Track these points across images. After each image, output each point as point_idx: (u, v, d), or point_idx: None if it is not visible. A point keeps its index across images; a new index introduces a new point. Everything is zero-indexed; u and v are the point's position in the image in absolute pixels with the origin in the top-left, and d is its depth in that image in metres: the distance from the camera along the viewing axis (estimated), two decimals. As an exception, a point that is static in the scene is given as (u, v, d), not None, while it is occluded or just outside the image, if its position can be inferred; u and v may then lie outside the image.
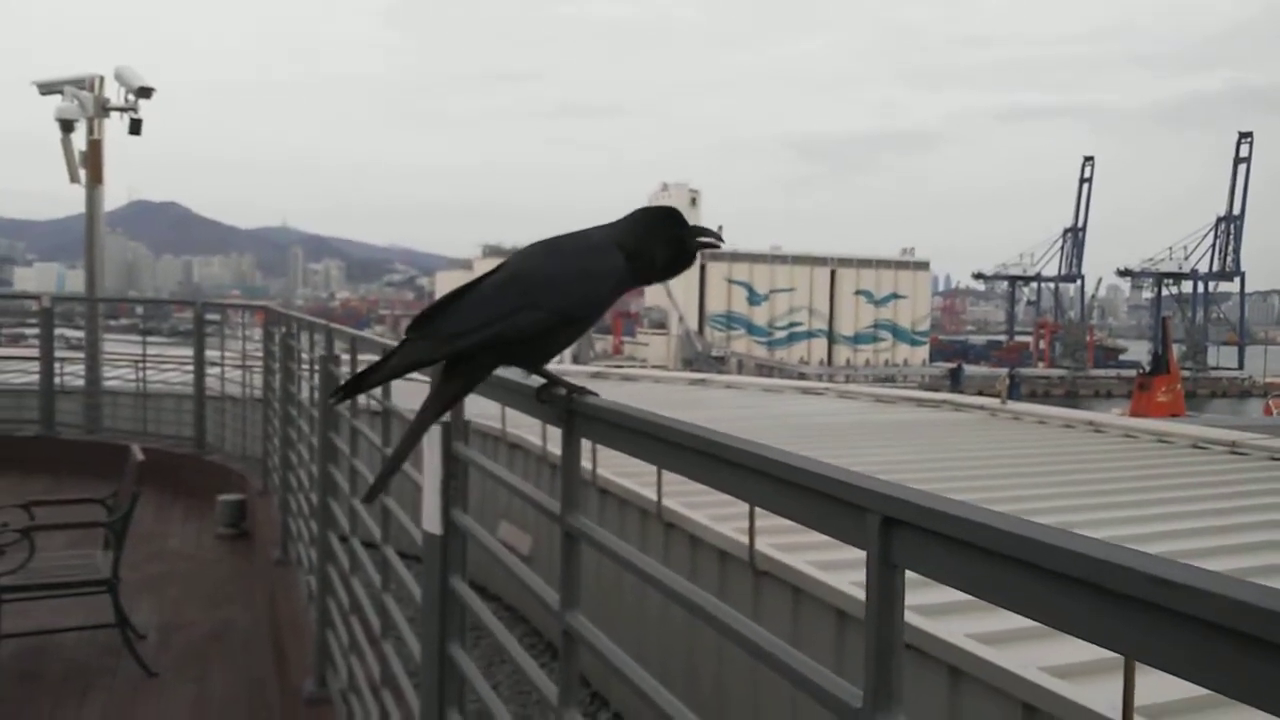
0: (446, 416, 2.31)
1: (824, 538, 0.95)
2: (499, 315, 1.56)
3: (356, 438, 3.98)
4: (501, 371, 1.72)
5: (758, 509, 1.13)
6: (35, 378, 12.25)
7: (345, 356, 4.45)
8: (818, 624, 5.49)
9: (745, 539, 6.08)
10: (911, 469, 8.44)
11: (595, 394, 1.56)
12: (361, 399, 4.02)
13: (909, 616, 4.88)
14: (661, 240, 1.65)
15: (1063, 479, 8.36)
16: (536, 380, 1.69)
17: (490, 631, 2.11)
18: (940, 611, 4.97)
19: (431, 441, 2.34)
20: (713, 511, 6.78)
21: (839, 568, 5.55)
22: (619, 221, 1.69)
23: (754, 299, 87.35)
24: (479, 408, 2.52)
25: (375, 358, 3.54)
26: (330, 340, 4.65)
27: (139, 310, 20.59)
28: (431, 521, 2.30)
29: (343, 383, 1.70)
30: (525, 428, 9.97)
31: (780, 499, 0.94)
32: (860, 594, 0.88)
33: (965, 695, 4.45)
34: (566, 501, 1.59)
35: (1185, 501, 7.70)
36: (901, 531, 0.81)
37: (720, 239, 1.72)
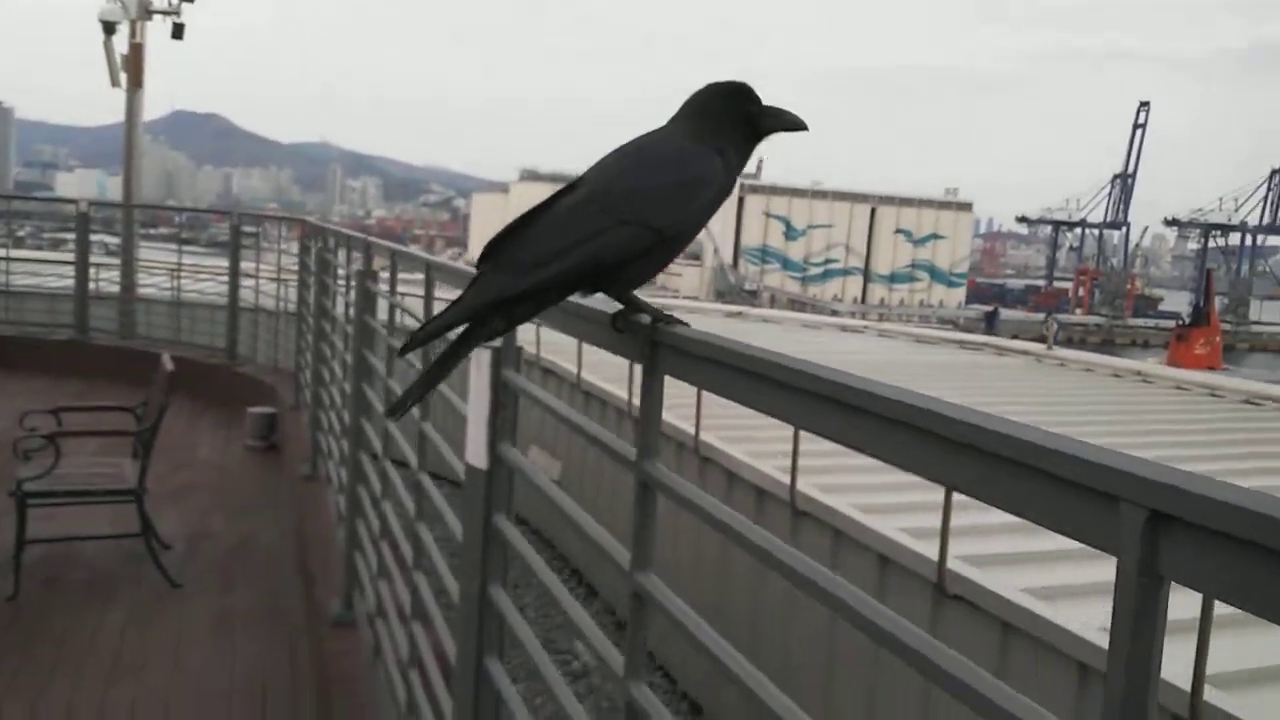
0: (496, 341, 2.09)
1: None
2: (585, 237, 1.34)
3: (393, 357, 3.78)
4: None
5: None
6: (71, 282, 12.16)
7: (384, 274, 4.25)
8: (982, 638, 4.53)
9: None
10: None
11: (685, 323, 1.33)
12: (400, 314, 3.82)
13: (955, 565, 4.66)
14: (731, 123, 1.42)
15: (1115, 431, 8.08)
16: (608, 305, 1.46)
17: (534, 573, 1.92)
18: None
19: (480, 367, 2.12)
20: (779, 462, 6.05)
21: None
22: (690, 113, 1.45)
23: (791, 234, 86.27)
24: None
25: (418, 276, 3.35)
26: (369, 255, 4.43)
27: (177, 219, 20.45)
28: (476, 454, 2.10)
29: (414, 331, 1.46)
30: (559, 352, 9.75)
31: (986, 480, 0.70)
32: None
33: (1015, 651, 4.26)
34: (643, 447, 1.36)
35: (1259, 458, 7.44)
36: (1172, 531, 0.58)
37: (803, 124, 1.45)
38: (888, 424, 0.85)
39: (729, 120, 1.41)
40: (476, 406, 2.12)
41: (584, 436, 1.56)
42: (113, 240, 15.09)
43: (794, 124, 1.43)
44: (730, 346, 1.17)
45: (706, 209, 1.39)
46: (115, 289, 12.78)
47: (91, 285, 12.31)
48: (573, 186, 1.43)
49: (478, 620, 2.07)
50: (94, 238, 12.72)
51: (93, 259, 12.48)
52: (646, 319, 1.37)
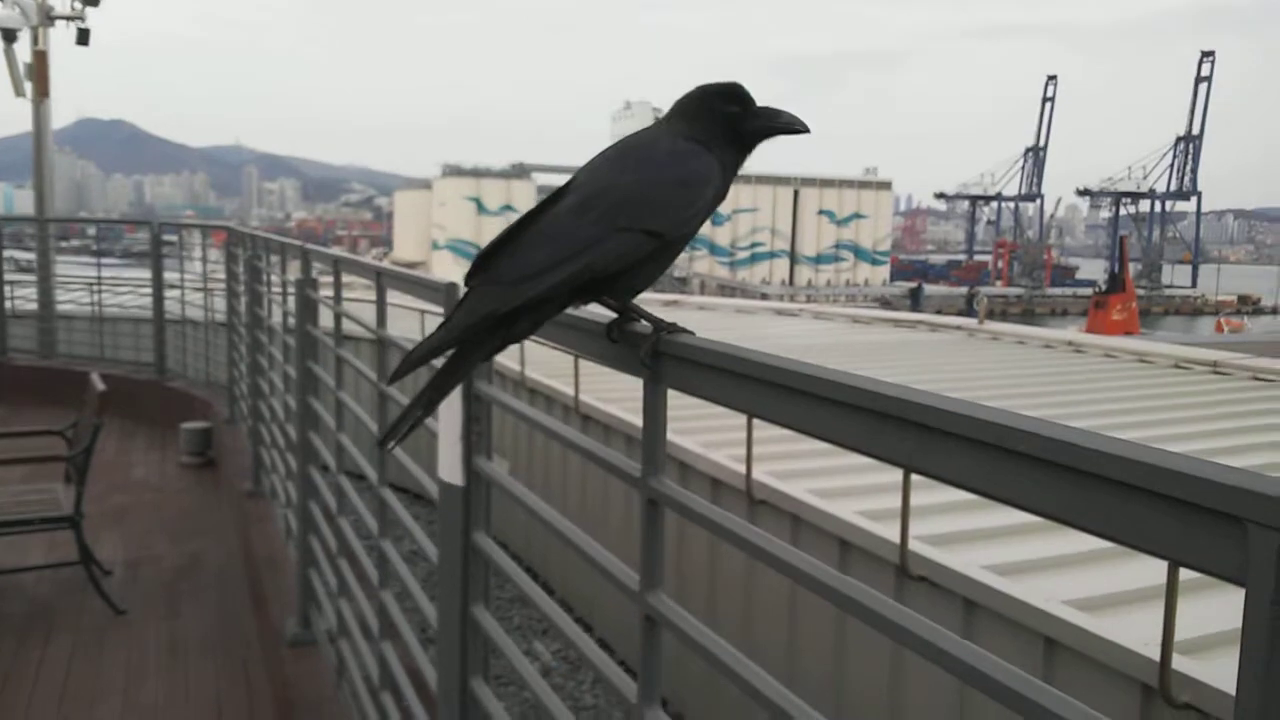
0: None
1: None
2: (582, 245, 1.27)
3: (342, 368, 3.67)
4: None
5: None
6: (-17, 302, 11.73)
7: (325, 279, 4.13)
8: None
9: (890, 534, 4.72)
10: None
11: (690, 331, 1.28)
12: (347, 324, 3.71)
13: (916, 546, 4.68)
14: (722, 126, 1.36)
15: (1051, 400, 8.22)
16: (601, 313, 1.40)
17: (515, 586, 1.86)
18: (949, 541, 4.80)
19: (447, 379, 2.05)
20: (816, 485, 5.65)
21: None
22: (679, 115, 1.39)
23: (716, 219, 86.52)
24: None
25: (366, 281, 3.24)
26: (308, 263, 4.30)
27: (90, 231, 19.78)
28: (451, 471, 2.03)
29: (400, 360, 1.36)
30: (517, 357, 9.63)
31: (1084, 504, 0.66)
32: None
33: (980, 628, 4.30)
34: (648, 462, 1.31)
35: (1200, 421, 7.61)
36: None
37: (801, 126, 1.38)
38: (954, 441, 0.79)
39: (719, 123, 1.36)
40: (448, 420, 2.05)
41: (582, 454, 1.50)
42: (24, 256, 14.60)
43: (790, 126, 1.36)
44: (744, 355, 1.11)
45: (705, 209, 1.32)
46: (32, 307, 12.36)
47: (7, 303, 11.90)
48: (563, 191, 1.37)
49: (460, 642, 2.00)
50: (5, 254, 12.28)
51: (6, 276, 12.05)
52: (648, 328, 1.31)
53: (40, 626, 5.38)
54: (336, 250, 4.68)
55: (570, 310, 1.38)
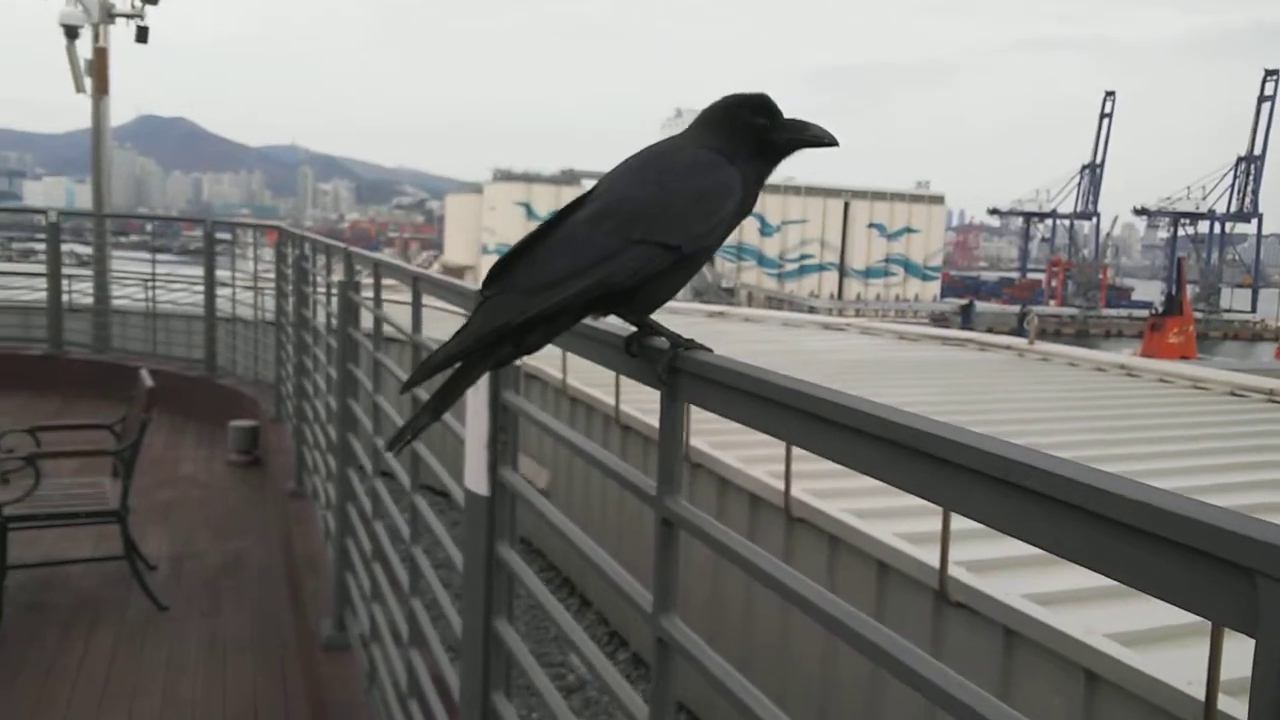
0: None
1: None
2: (597, 257, 1.24)
3: (380, 371, 3.69)
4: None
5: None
6: (43, 294, 11.96)
7: (367, 281, 4.16)
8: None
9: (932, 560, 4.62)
10: (942, 412, 8.15)
11: (708, 348, 1.26)
12: (386, 327, 3.73)
13: (956, 571, 4.60)
14: (747, 137, 1.33)
15: (1099, 425, 8.06)
16: (621, 324, 1.38)
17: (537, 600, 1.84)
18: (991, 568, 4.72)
19: (477, 388, 2.04)
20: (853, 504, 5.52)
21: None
22: (703, 125, 1.36)
23: (765, 230, 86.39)
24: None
25: (403, 286, 3.26)
26: (350, 265, 4.34)
27: (148, 227, 20.17)
28: (476, 480, 2.02)
29: (416, 366, 1.35)
30: (548, 360, 9.65)
31: (1092, 545, 0.63)
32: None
33: (1020, 659, 4.22)
34: (664, 480, 1.29)
35: (1254, 451, 7.41)
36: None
37: (829, 138, 1.34)
38: (965, 474, 0.77)
39: (744, 134, 1.33)
40: (475, 429, 2.04)
41: (600, 469, 1.49)
42: (84, 250, 14.89)
43: (817, 139, 1.33)
44: (759, 375, 1.10)
45: (727, 223, 1.29)
46: (89, 301, 12.58)
47: (65, 297, 12.13)
48: (584, 199, 1.35)
49: (483, 655, 1.99)
50: (64, 248, 12.53)
51: (65, 270, 12.28)
52: (665, 343, 1.30)
53: (85, 619, 5.47)
54: (388, 253, 4.73)
55: (590, 321, 1.37)
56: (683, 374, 1.25)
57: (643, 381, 1.35)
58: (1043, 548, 0.69)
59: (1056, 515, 0.67)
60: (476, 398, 2.05)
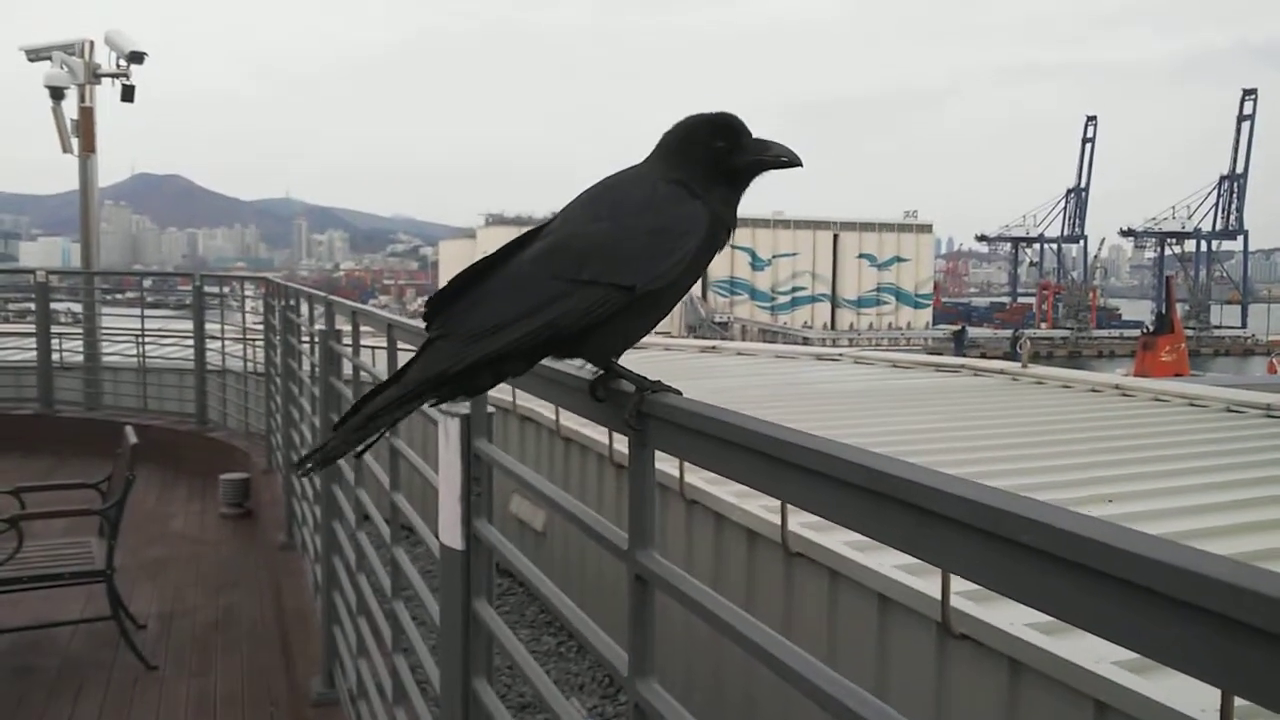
0: (465, 407, 1.95)
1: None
2: (544, 299, 1.16)
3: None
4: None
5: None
6: (34, 354, 11.90)
7: (347, 328, 4.10)
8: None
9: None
10: (938, 440, 8.07)
11: (676, 390, 1.18)
12: (365, 374, 3.66)
13: (958, 602, 4.51)
14: (712, 161, 1.24)
15: (1096, 447, 7.98)
16: (587, 368, 1.31)
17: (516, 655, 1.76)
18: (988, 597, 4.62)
19: (448, 437, 1.97)
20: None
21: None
22: (666, 150, 1.28)
23: (757, 264, 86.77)
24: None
25: (379, 335, 3.20)
26: (331, 314, 4.28)
27: (146, 283, 20.16)
28: (450, 534, 1.95)
29: (343, 412, 1.25)
30: (540, 400, 9.56)
31: (1081, 600, 0.56)
32: None
33: (1026, 690, 4.11)
34: (636, 533, 1.22)
35: (1255, 468, 7.31)
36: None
37: (793, 158, 1.26)
38: (953, 526, 0.69)
39: (709, 157, 1.24)
40: (448, 480, 1.97)
41: (573, 522, 1.42)
42: (78, 308, 14.86)
43: (779, 159, 1.25)
44: (729, 420, 1.02)
45: (690, 260, 1.20)
46: (79, 358, 12.53)
47: (55, 356, 12.06)
48: (536, 233, 1.27)
49: (463, 715, 1.91)
50: (58, 305, 12.48)
51: (55, 328, 12.24)
52: (630, 387, 1.22)
53: (72, 682, 5.35)
54: (384, 299, 4.68)
55: (553, 364, 1.29)
56: (650, 418, 1.18)
57: (610, 426, 1.28)
58: (1045, 612, 0.62)
59: (1047, 569, 0.60)
60: (448, 448, 1.98)
